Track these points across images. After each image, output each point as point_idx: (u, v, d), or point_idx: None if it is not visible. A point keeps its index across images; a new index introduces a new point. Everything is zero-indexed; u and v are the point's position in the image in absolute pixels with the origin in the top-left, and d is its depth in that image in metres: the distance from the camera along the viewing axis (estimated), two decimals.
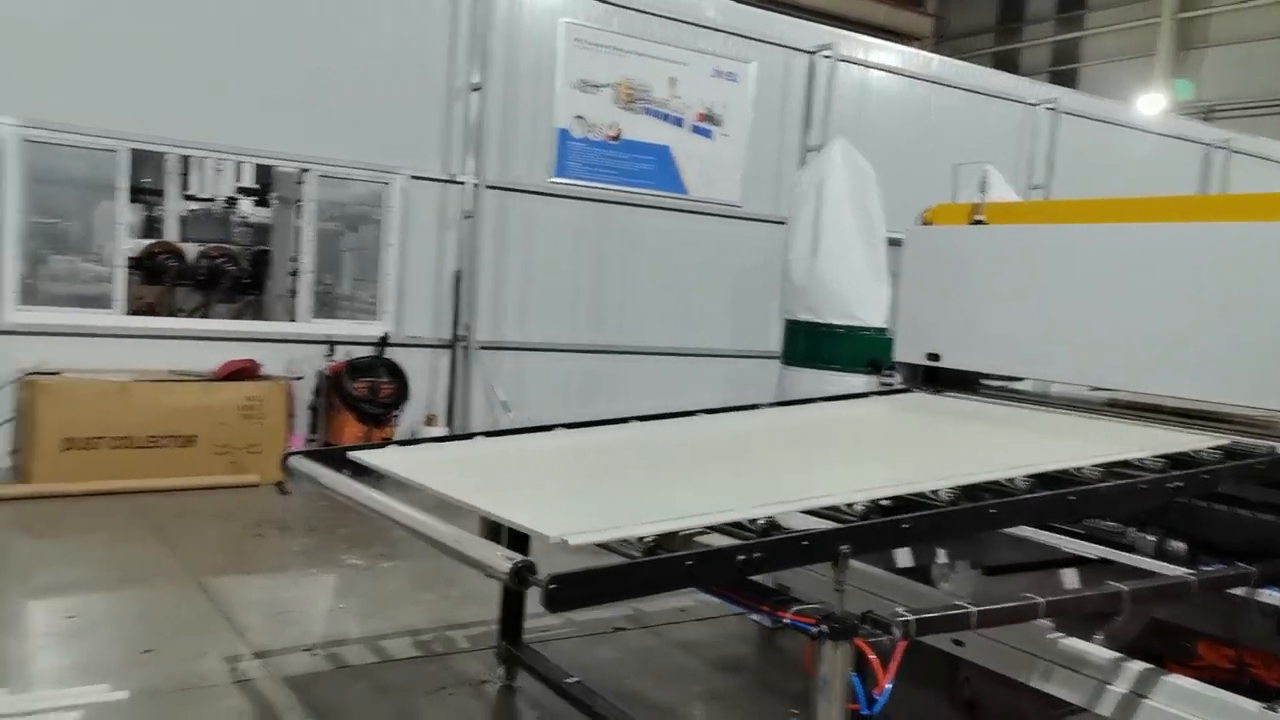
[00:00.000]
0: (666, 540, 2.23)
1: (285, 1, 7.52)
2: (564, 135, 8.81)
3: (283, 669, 3.79)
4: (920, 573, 3.72)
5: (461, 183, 8.33)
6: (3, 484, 6.37)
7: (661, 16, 9.15)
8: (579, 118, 8.89)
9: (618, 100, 9.08)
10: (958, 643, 3.12)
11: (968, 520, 2.58)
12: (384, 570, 5.18)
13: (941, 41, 25.49)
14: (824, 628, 2.10)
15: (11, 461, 6.68)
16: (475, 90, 8.25)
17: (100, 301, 7.31)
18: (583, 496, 2.79)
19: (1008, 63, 23.77)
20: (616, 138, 9.09)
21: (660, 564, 2.14)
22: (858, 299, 6.84)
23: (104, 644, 3.99)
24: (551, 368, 8.80)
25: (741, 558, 2.16)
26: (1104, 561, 3.38)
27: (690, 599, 4.77)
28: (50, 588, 4.65)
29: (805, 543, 2.25)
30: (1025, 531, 3.44)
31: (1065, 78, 23.27)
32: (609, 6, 8.89)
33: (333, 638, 4.17)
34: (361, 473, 3.10)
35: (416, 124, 8.12)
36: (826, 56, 10.04)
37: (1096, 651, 2.89)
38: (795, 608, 2.23)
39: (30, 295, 6.91)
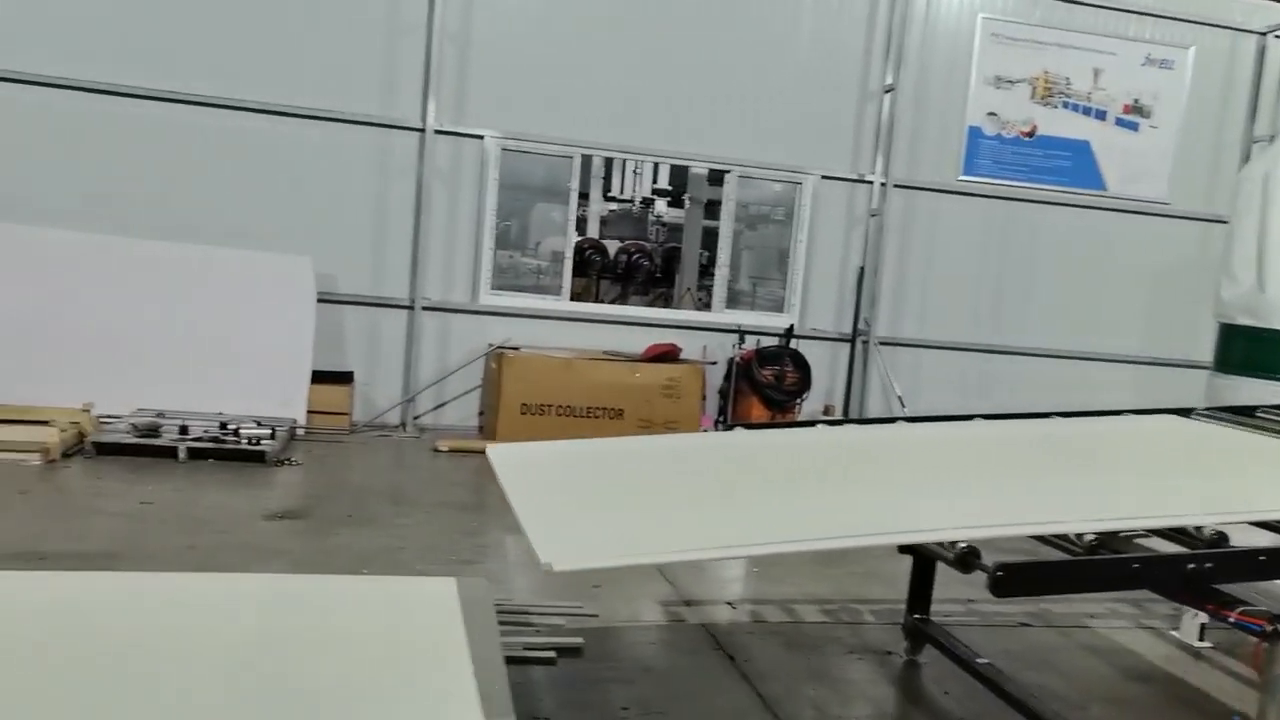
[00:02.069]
0: (1107, 540, 2.28)
1: (712, 16, 8.15)
2: (975, 133, 8.71)
3: (708, 616, 4.26)
4: None
5: (869, 182, 8.54)
6: (473, 440, 7.58)
7: (1088, 4, 8.74)
8: (991, 114, 8.74)
9: (1034, 95, 8.80)
10: None
11: None
12: None
13: None
14: (1278, 628, 2.07)
15: (478, 421, 7.94)
16: (888, 91, 8.41)
17: (549, 289, 8.41)
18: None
19: None
20: (1031, 134, 8.82)
21: (1106, 564, 2.20)
22: None
23: (561, 577, 4.70)
24: (949, 366, 8.78)
25: (1191, 566, 2.17)
26: None
27: (1098, 605, 4.66)
28: (518, 526, 5.52)
29: (1263, 558, 2.21)
30: None
31: None
32: None
33: (748, 597, 4.59)
34: None
35: (829, 126, 8.45)
36: None
37: None
38: (1241, 608, 2.21)
39: (495, 284, 8.13)
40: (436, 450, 7.20)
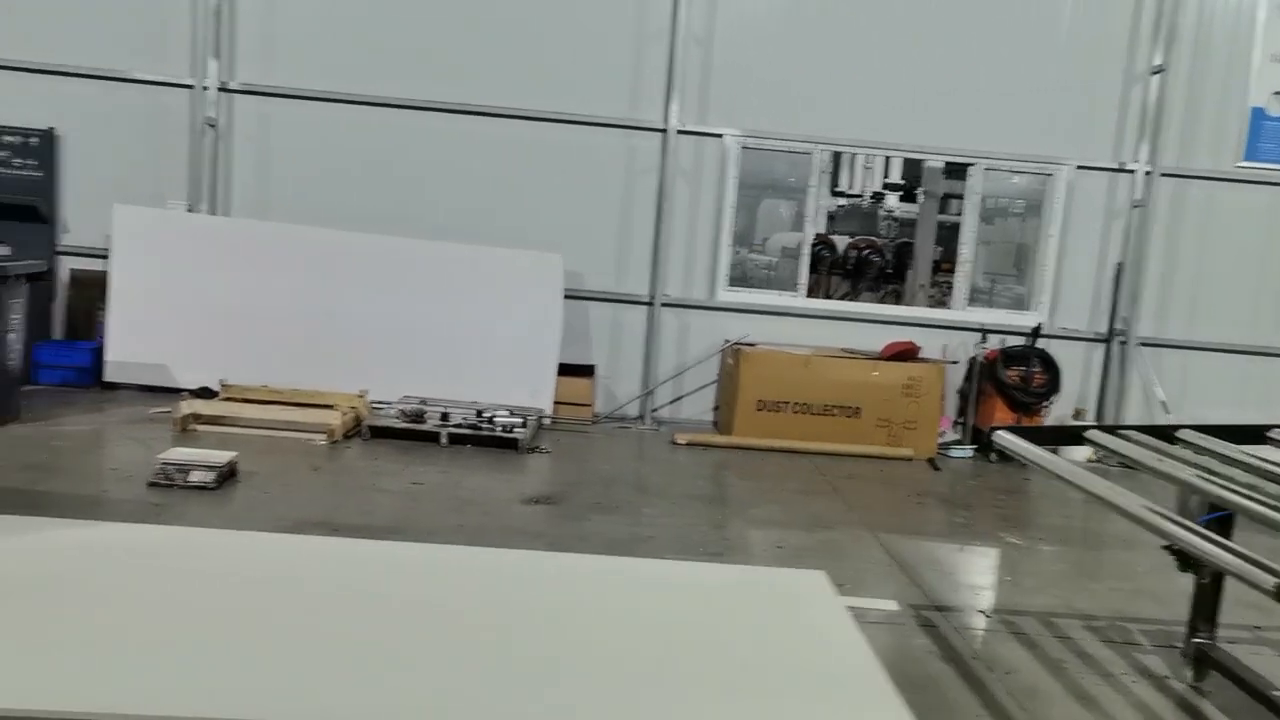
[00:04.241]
0: None
1: (958, 1, 7.85)
2: (1258, 114, 7.95)
3: (960, 622, 4.14)
4: None
5: (1132, 171, 7.98)
6: (710, 434, 7.69)
7: None
8: (1278, 94, 7.95)
9: None
10: None
11: None
12: (1043, 553, 5.30)
13: None
14: None
15: (714, 415, 8.05)
16: (1156, 73, 7.82)
17: (780, 285, 8.39)
18: None
19: None
20: None
21: None
22: None
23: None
24: (1224, 370, 8.07)
25: None
26: None
27: None
28: (760, 520, 5.59)
29: None
30: None
31: None
32: None
33: (1003, 606, 4.42)
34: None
35: (1088, 113, 7.96)
36: None
37: None
38: None
39: (731, 279, 8.20)
40: (674, 443, 7.35)
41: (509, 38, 7.78)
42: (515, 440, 6.69)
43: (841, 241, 11.61)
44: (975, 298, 8.56)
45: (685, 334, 8.09)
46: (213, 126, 7.73)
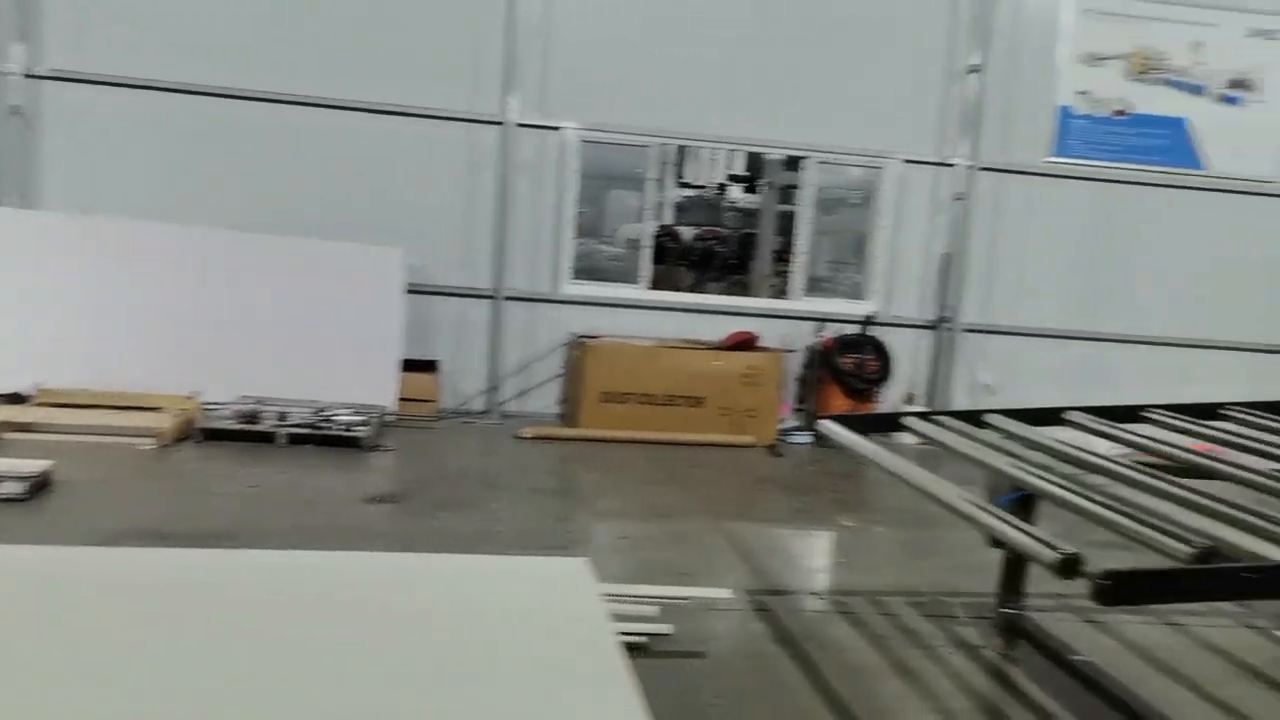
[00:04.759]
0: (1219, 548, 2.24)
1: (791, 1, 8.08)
2: (1065, 113, 8.50)
3: (794, 605, 4.30)
4: None
5: (954, 165, 8.40)
6: (556, 426, 7.71)
7: None
8: (1082, 93, 8.52)
9: (1128, 72, 8.55)
10: None
11: None
12: (876, 535, 5.55)
13: None
14: None
15: (560, 409, 8.07)
16: (973, 72, 8.26)
17: (625, 277, 8.48)
18: None
19: None
20: (1123, 112, 8.57)
21: (1215, 573, 2.17)
22: None
23: (649, 563, 4.79)
24: (1043, 354, 8.59)
25: None
26: None
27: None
28: (605, 512, 5.65)
29: None
30: None
31: None
32: None
33: (835, 587, 4.61)
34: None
35: (913, 109, 8.32)
36: None
37: None
38: None
39: (575, 271, 8.22)
40: (521, 437, 7.34)
41: (345, 28, 7.56)
42: (357, 439, 6.55)
43: (688, 232, 11.81)
44: (818, 286, 8.84)
45: (531, 327, 8.07)
46: (18, 114, 7.22)
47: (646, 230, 8.52)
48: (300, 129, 7.57)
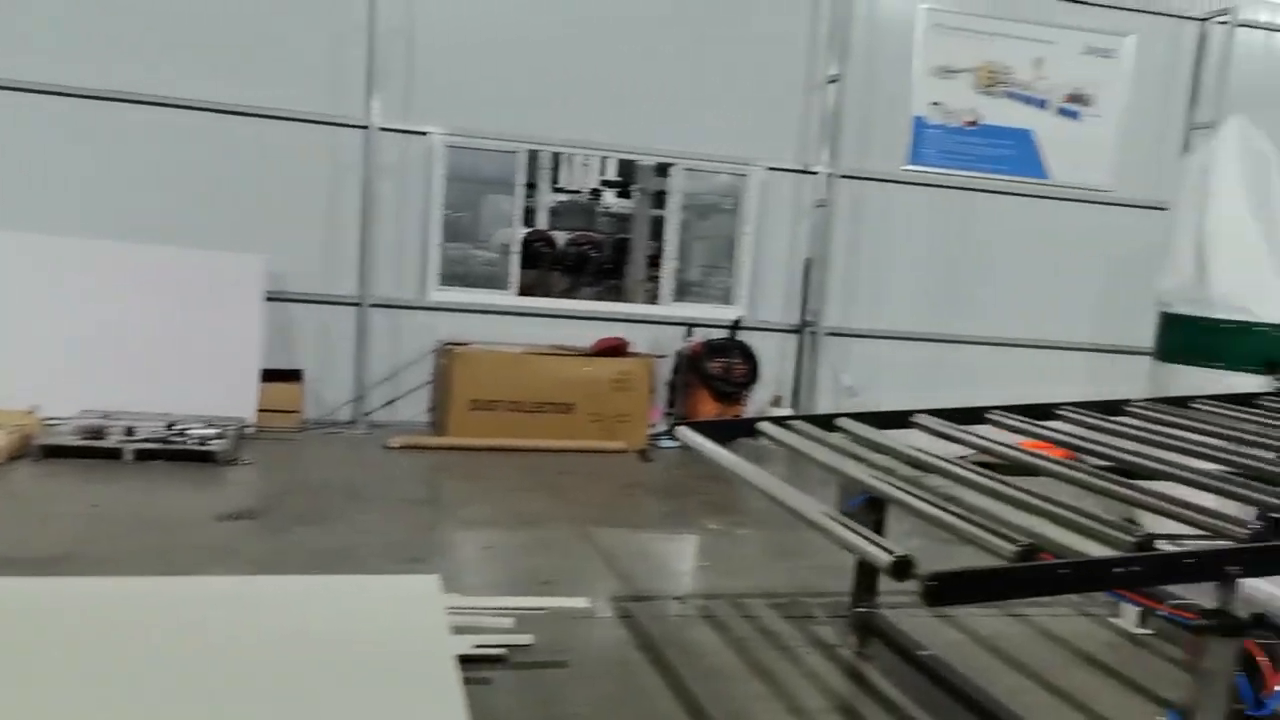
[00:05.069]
0: (1041, 545, 2.36)
1: (656, 10, 8.15)
2: (919, 123, 8.83)
3: (658, 611, 4.34)
4: None
5: (816, 173, 8.63)
6: (425, 435, 7.58)
7: None
8: (935, 104, 8.87)
9: (977, 84, 8.94)
10: None
11: None
12: (740, 537, 5.65)
13: None
14: (1213, 624, 2.16)
15: (429, 417, 7.94)
16: (832, 82, 8.50)
17: (497, 283, 8.41)
18: None
19: None
20: (974, 123, 8.97)
21: (1035, 570, 2.27)
22: (1253, 293, 6.32)
23: (514, 572, 4.76)
24: (902, 356, 8.89)
25: (1119, 570, 2.25)
26: None
27: None
28: (471, 521, 5.59)
29: (1190, 561, 2.28)
30: None
31: None
32: None
33: (698, 591, 4.67)
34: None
35: (776, 118, 8.51)
36: (1223, 22, 9.18)
37: None
38: (1172, 602, 2.30)
39: (445, 277, 8.10)
40: (388, 447, 7.19)
41: (199, 25, 7.26)
42: (212, 453, 6.29)
43: (562, 237, 11.79)
44: (690, 291, 8.94)
45: (398, 335, 7.92)
46: None
47: (516, 236, 8.46)
48: (153, 131, 7.24)
